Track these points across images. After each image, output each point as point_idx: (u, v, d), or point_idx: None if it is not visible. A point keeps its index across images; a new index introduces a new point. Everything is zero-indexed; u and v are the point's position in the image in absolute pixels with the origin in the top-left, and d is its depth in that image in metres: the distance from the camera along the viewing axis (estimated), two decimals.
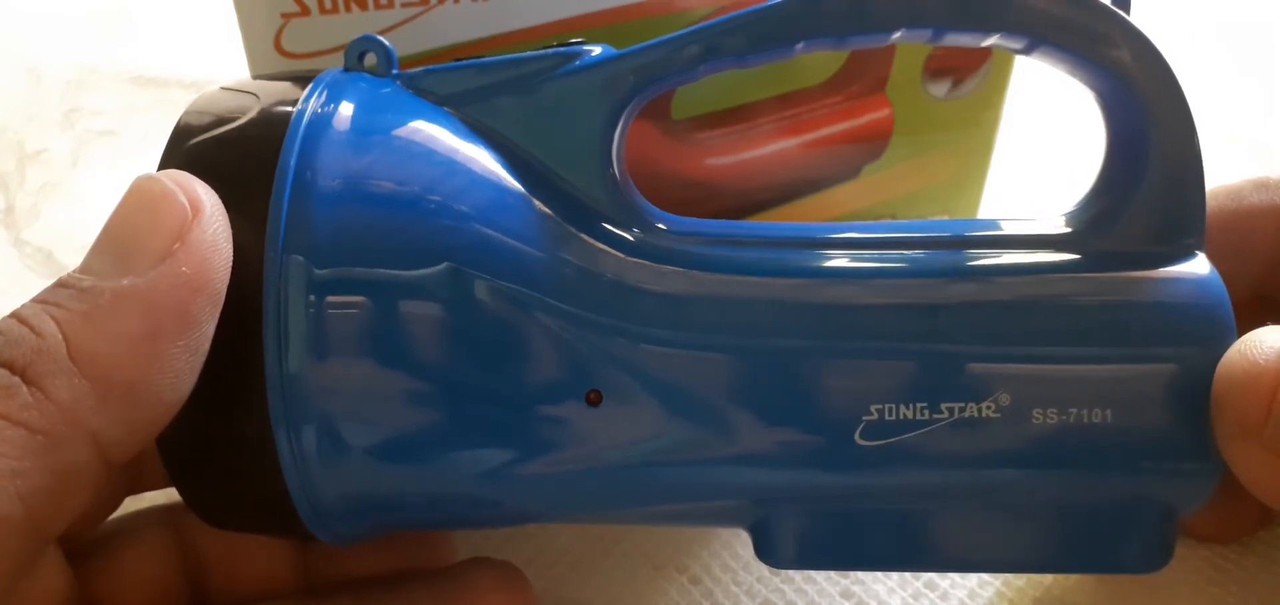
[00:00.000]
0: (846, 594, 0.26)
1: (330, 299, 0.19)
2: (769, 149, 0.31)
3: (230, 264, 0.18)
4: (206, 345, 0.18)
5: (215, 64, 0.50)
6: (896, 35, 0.22)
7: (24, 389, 0.16)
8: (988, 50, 0.31)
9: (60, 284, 0.17)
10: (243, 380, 0.19)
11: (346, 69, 0.23)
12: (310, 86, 0.21)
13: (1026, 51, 0.22)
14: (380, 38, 0.23)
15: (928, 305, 0.21)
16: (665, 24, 0.28)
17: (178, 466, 0.20)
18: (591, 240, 0.21)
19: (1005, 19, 0.21)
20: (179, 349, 0.18)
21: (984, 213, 0.36)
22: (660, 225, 0.22)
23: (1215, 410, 0.20)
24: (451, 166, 0.21)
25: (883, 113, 0.32)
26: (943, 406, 0.20)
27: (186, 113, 0.21)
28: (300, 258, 0.19)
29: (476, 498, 0.21)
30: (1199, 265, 0.21)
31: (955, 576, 0.26)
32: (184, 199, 0.18)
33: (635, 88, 0.22)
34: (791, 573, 0.26)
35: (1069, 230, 0.22)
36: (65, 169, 0.44)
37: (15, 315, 0.17)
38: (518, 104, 0.22)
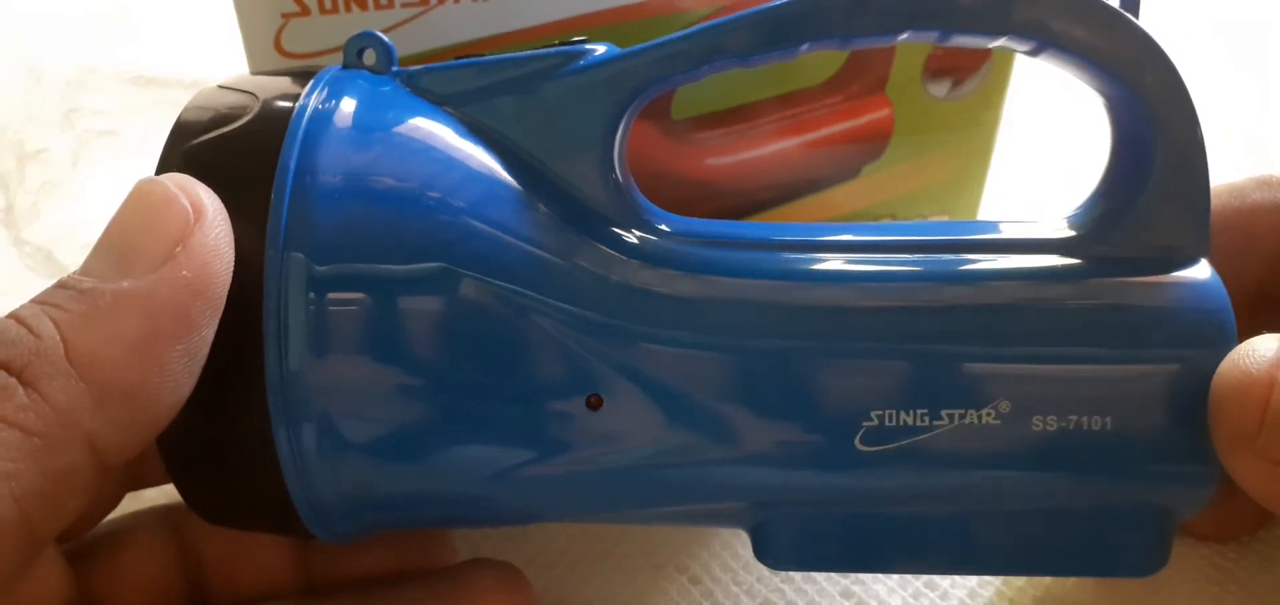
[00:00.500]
0: (846, 594, 0.26)
1: (330, 296, 0.19)
2: (769, 149, 0.31)
3: (231, 269, 0.18)
4: (205, 350, 0.18)
5: (215, 64, 0.50)
6: (903, 36, 0.21)
7: (20, 390, 0.16)
8: (988, 51, 0.31)
9: (60, 285, 0.17)
10: (243, 377, 0.19)
11: (346, 65, 0.23)
12: (310, 83, 0.21)
13: (1034, 53, 0.22)
14: (380, 34, 0.23)
15: (929, 310, 0.21)
16: (665, 24, 0.28)
17: (177, 464, 0.20)
18: (592, 241, 0.21)
19: (1013, 21, 0.21)
20: (178, 353, 0.17)
21: (984, 213, 0.36)
22: (661, 226, 0.22)
23: (1212, 418, 0.20)
24: (453, 165, 0.21)
25: (883, 113, 0.32)
26: (943, 413, 0.20)
27: (185, 110, 0.21)
28: (300, 255, 0.19)
29: (476, 497, 0.21)
30: (1201, 270, 0.21)
31: (955, 576, 0.26)
32: (186, 203, 0.18)
33: (637, 88, 0.22)
34: (791, 573, 0.26)
35: (1071, 234, 0.22)
36: (65, 169, 0.44)
37: (13, 316, 0.17)
38: (518, 104, 0.22)
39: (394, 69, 0.23)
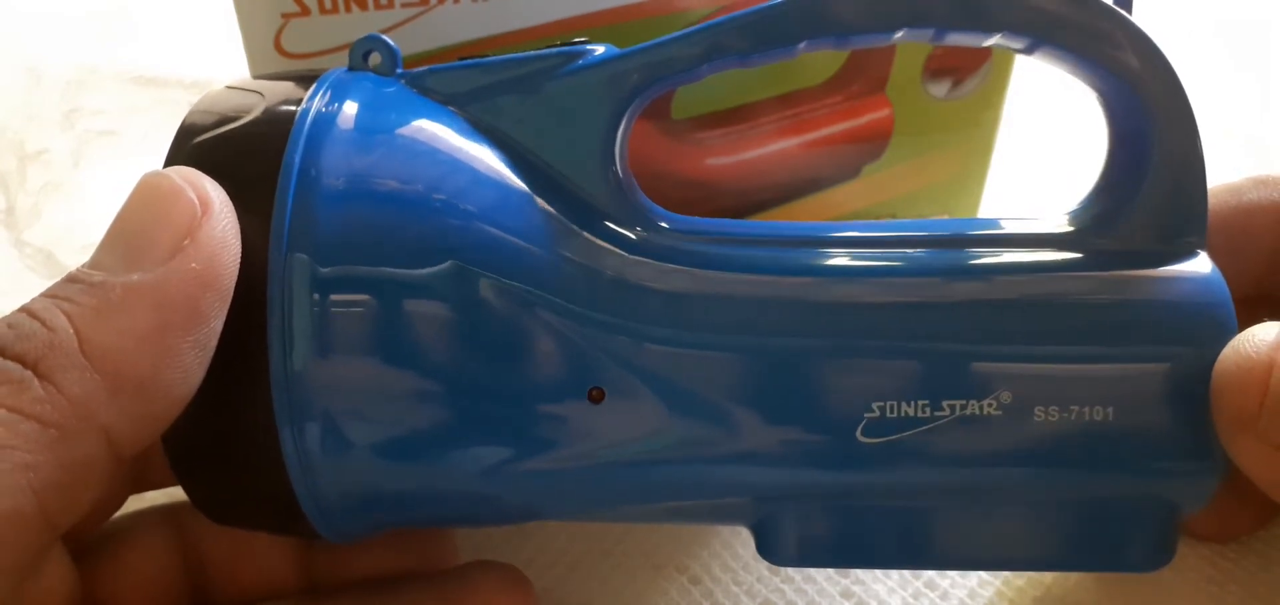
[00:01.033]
0: (846, 594, 0.26)
1: (334, 297, 0.19)
2: (769, 149, 0.31)
3: (238, 260, 0.19)
4: (215, 341, 0.18)
5: (215, 64, 0.50)
6: (899, 35, 0.22)
7: (36, 383, 0.16)
8: (988, 50, 0.31)
9: (70, 279, 0.18)
10: (247, 377, 0.19)
11: (351, 68, 0.23)
12: (314, 85, 0.21)
13: (1028, 51, 0.22)
14: (385, 37, 0.23)
15: (929, 303, 0.21)
16: (665, 24, 0.28)
17: (182, 463, 0.20)
18: (594, 239, 0.21)
19: (1007, 19, 0.21)
20: (188, 344, 0.18)
21: (984, 213, 0.36)
22: (663, 224, 0.22)
23: (1213, 404, 0.20)
24: (455, 165, 0.21)
25: (883, 113, 0.32)
26: (944, 404, 0.20)
27: (192, 112, 0.21)
28: (304, 256, 0.19)
29: (479, 495, 0.21)
30: (1201, 263, 0.21)
31: (955, 576, 0.26)
32: (193, 195, 0.18)
33: (638, 87, 0.22)
34: (791, 573, 0.26)
35: (1071, 229, 0.22)
36: (66, 169, 0.44)
37: (26, 309, 0.17)
38: (521, 103, 0.22)
39: (399, 71, 0.23)
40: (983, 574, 0.26)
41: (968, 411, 0.20)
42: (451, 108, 0.22)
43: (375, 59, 0.23)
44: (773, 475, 0.21)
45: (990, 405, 0.20)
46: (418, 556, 0.24)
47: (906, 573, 0.26)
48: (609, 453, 0.20)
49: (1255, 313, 0.22)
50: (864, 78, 0.31)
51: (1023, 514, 0.21)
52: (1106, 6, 0.21)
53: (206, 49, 0.51)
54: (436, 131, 0.21)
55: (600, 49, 0.22)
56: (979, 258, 0.22)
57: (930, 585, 0.26)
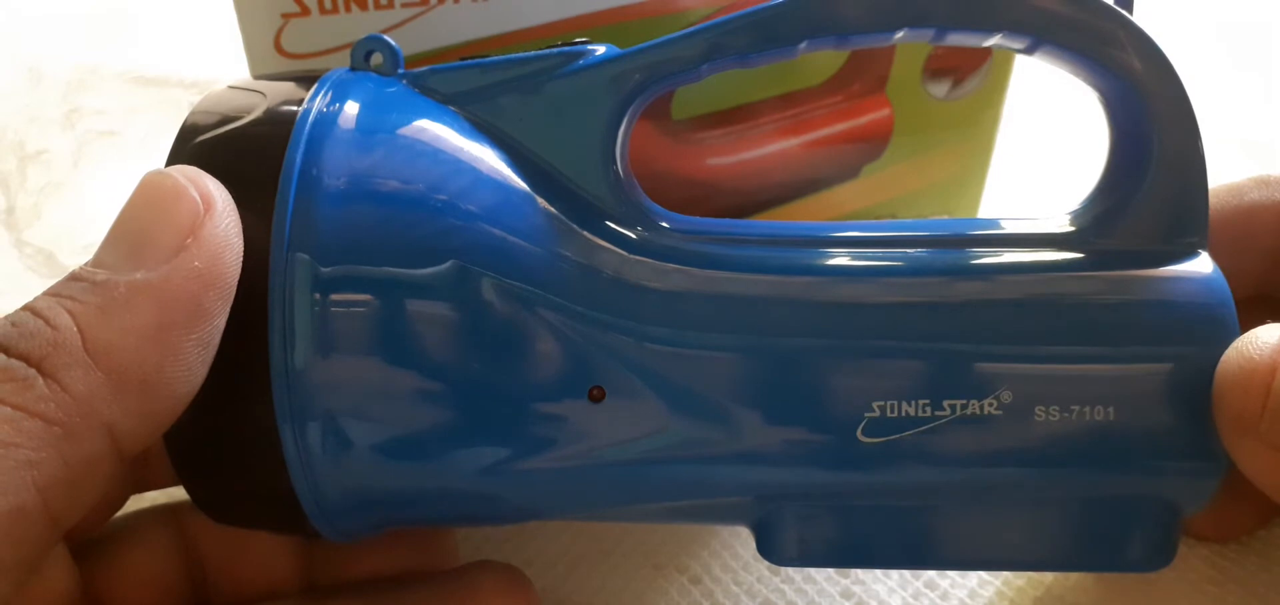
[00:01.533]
0: (846, 594, 0.26)
1: (335, 297, 0.19)
2: (769, 149, 0.31)
3: (241, 259, 0.19)
4: (217, 339, 0.18)
5: (215, 64, 0.50)
6: (899, 35, 0.22)
7: (40, 381, 0.16)
8: (988, 50, 0.31)
9: (73, 277, 0.18)
10: (248, 377, 0.19)
11: (353, 68, 0.23)
12: (316, 86, 0.21)
13: (1029, 51, 0.22)
14: (386, 38, 0.23)
15: (930, 303, 0.21)
16: (666, 24, 0.28)
17: (184, 461, 0.20)
18: (595, 238, 0.21)
19: (1008, 19, 0.21)
20: (191, 343, 0.18)
21: (984, 213, 0.36)
22: (663, 224, 0.22)
23: (1215, 405, 0.20)
24: (455, 165, 0.21)
25: (883, 113, 0.32)
26: (945, 403, 0.20)
27: (193, 112, 0.21)
28: (305, 256, 0.19)
29: (480, 494, 0.21)
30: (1202, 264, 0.21)
31: (955, 576, 0.26)
32: (196, 194, 0.18)
33: (639, 87, 0.22)
34: (791, 573, 0.26)
35: (1072, 229, 0.22)
36: (66, 169, 0.44)
37: (29, 308, 0.17)
38: (522, 103, 0.22)
39: (400, 71, 0.23)
40: (983, 574, 0.26)
41: (968, 411, 0.20)
42: (453, 108, 0.22)
43: (377, 59, 0.23)
44: (773, 475, 0.21)
45: (991, 405, 0.20)
46: (418, 556, 0.24)
47: (906, 573, 0.26)
48: (609, 452, 0.20)
49: (1256, 313, 0.22)
50: (864, 78, 0.31)
51: (1023, 514, 0.21)
52: (1107, 6, 0.21)
53: (206, 49, 0.51)
54: (438, 131, 0.21)
55: (601, 49, 0.22)
56: (979, 258, 0.22)
57: (930, 585, 0.26)
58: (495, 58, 0.23)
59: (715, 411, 0.20)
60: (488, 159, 0.21)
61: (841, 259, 0.22)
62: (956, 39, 0.22)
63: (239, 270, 0.19)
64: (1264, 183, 0.24)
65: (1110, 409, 0.20)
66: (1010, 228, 0.22)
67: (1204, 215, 0.22)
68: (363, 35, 0.23)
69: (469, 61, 0.23)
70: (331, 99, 0.21)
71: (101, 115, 0.48)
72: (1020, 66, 0.31)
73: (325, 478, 0.20)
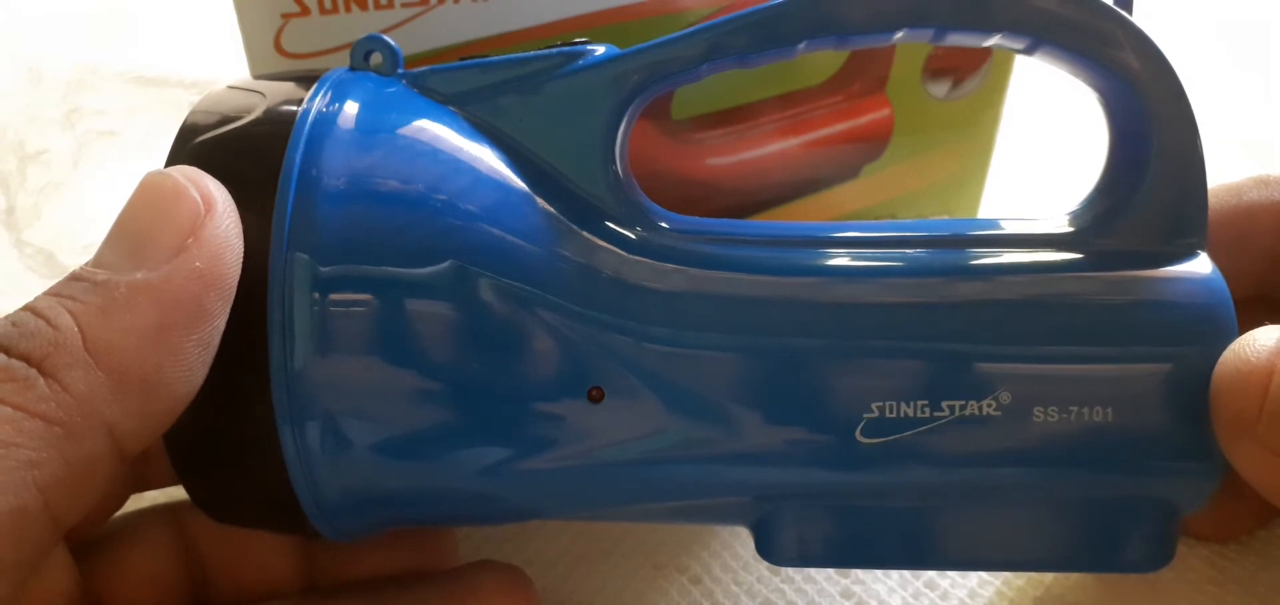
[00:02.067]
0: (846, 594, 0.26)
1: (334, 296, 0.19)
2: (769, 149, 0.31)
3: (241, 259, 0.19)
4: (218, 339, 0.18)
5: (215, 64, 0.50)
6: (899, 35, 0.22)
7: (41, 381, 0.16)
8: (988, 50, 0.31)
9: (74, 277, 0.18)
10: (248, 376, 0.19)
11: (352, 68, 0.23)
12: (315, 86, 0.21)
13: (1028, 51, 0.22)
14: (386, 38, 0.23)
15: (929, 303, 0.21)
16: (665, 24, 0.28)
17: (184, 461, 0.20)
18: (594, 238, 0.21)
19: (1008, 19, 0.21)
20: (192, 342, 0.18)
21: (984, 213, 0.36)
22: (663, 224, 0.22)
23: (1213, 407, 0.20)
24: (455, 165, 0.21)
25: (883, 113, 0.32)
26: (944, 404, 0.20)
27: (193, 111, 0.21)
28: (305, 256, 0.19)
29: (480, 494, 0.21)
30: (1201, 264, 0.21)
31: (955, 576, 0.26)
32: (196, 195, 0.18)
33: (639, 87, 0.22)
34: (791, 573, 0.26)
35: (1071, 229, 0.22)
36: (66, 169, 0.44)
37: (30, 308, 0.17)
38: (522, 103, 0.22)
39: (400, 71, 0.23)
40: (983, 574, 0.26)
41: (967, 412, 0.20)
42: (452, 108, 0.22)
43: (376, 59, 0.23)
44: (772, 475, 0.21)
45: (990, 405, 0.20)
46: (418, 556, 0.24)
47: (906, 573, 0.26)
48: (608, 452, 0.20)
49: (1255, 313, 0.22)
50: (864, 78, 0.31)
51: (1022, 514, 0.21)
52: (1107, 6, 0.21)
53: (206, 49, 0.51)
54: (437, 131, 0.21)
55: (600, 49, 0.22)
56: (979, 258, 0.22)
57: (930, 585, 0.26)
58: (495, 58, 0.23)
59: (714, 412, 0.20)
60: (487, 159, 0.21)
61: (841, 259, 0.22)
62: (956, 39, 0.22)
63: (239, 271, 0.19)
64: (1263, 183, 0.24)
65: (1109, 410, 0.20)
66: (1010, 228, 0.22)
67: (1203, 215, 0.22)
68: (362, 35, 0.23)
69: (469, 61, 0.23)
70: (331, 99, 0.21)
71: (101, 115, 0.48)
72: (1020, 66, 0.31)
73: (325, 477, 0.20)
